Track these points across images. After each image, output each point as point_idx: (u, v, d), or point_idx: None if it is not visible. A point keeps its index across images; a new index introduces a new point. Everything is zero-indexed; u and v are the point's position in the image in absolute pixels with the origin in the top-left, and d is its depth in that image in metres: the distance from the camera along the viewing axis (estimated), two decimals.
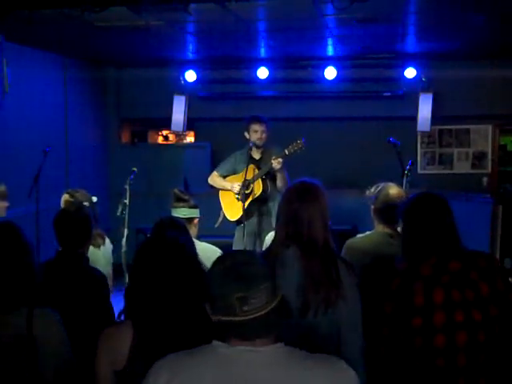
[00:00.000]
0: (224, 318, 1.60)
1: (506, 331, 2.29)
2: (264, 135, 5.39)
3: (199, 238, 3.96)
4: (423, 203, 2.43)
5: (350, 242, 3.37)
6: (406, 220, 2.46)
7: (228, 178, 5.61)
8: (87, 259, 3.24)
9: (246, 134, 5.47)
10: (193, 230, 3.82)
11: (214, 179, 5.68)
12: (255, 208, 5.39)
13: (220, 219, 5.58)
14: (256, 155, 5.50)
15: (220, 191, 5.65)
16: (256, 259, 1.67)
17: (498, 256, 5.79)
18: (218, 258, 1.71)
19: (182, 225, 3.23)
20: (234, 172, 5.60)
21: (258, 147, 5.42)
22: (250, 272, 1.61)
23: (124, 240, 5.48)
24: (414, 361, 2.29)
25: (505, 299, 2.28)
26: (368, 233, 3.42)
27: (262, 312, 1.58)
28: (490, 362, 2.27)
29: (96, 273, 3.20)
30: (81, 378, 2.20)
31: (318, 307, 2.31)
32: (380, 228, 3.29)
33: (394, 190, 3.30)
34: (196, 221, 3.92)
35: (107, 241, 4.05)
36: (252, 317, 1.57)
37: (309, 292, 2.32)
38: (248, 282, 1.59)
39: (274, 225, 5.35)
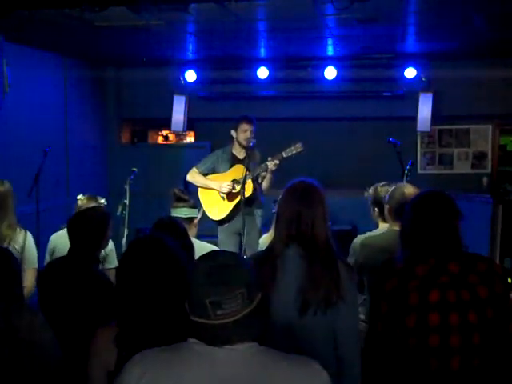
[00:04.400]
0: (198, 320, 1.59)
1: (501, 334, 2.27)
2: (252, 135, 5.37)
3: (198, 237, 3.97)
4: (431, 201, 2.40)
5: (365, 239, 3.40)
6: (411, 216, 2.42)
7: (211, 177, 5.54)
8: (97, 261, 3.22)
9: (233, 133, 5.44)
10: (192, 230, 3.82)
11: (195, 177, 5.57)
12: (240, 208, 5.36)
13: (199, 216, 5.51)
14: (240, 155, 5.46)
15: (200, 189, 5.56)
16: (236, 262, 1.65)
17: (497, 256, 5.79)
18: (200, 259, 1.69)
19: (180, 225, 3.23)
20: (214, 171, 5.53)
21: (243, 147, 5.38)
22: (227, 276, 1.59)
23: (124, 240, 5.47)
24: (407, 361, 2.28)
25: (502, 302, 2.27)
26: (384, 231, 3.44)
27: (236, 317, 1.57)
28: (485, 365, 2.25)
29: (102, 276, 3.18)
30: (77, 379, 2.20)
31: (318, 307, 2.31)
32: (396, 226, 3.30)
33: (409, 189, 3.33)
34: (196, 220, 3.93)
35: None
36: (225, 321, 1.56)
37: (309, 291, 2.32)
38: (223, 286, 1.57)
39: (259, 225, 5.37)
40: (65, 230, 4.22)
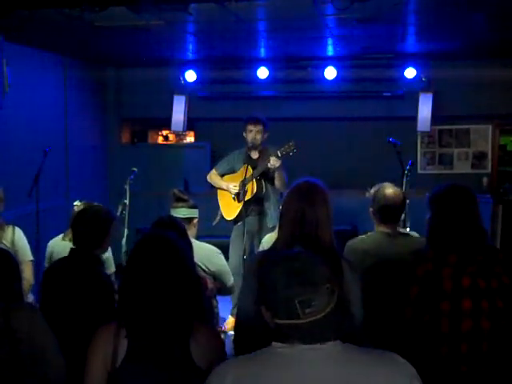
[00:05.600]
0: (286, 322, 1.59)
1: None
2: (259, 136, 5.40)
3: (198, 237, 3.97)
4: (455, 193, 2.50)
5: (350, 242, 3.39)
6: (435, 208, 2.52)
7: (225, 178, 5.63)
8: (100, 261, 3.22)
9: (244, 134, 5.49)
10: (192, 230, 3.82)
11: (213, 178, 5.72)
12: (252, 208, 5.40)
13: (218, 218, 5.60)
14: (253, 155, 5.51)
15: (218, 190, 5.67)
16: (317, 260, 1.66)
17: None
18: (278, 260, 1.68)
19: (180, 224, 3.23)
20: (233, 171, 5.61)
21: (253, 147, 5.42)
22: (314, 274, 1.60)
23: (124, 240, 5.47)
24: (438, 346, 2.36)
25: None
26: (369, 233, 3.43)
27: (324, 313, 1.58)
28: (509, 348, 2.36)
29: (104, 277, 3.18)
30: (79, 379, 2.20)
31: None
32: (381, 228, 3.33)
33: (390, 190, 3.34)
34: (195, 221, 3.93)
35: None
36: (314, 318, 1.57)
37: None
38: (312, 284, 1.58)
39: (270, 224, 5.40)
40: (62, 235, 4.24)
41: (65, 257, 3.25)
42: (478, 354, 2.34)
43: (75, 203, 4.26)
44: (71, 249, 3.18)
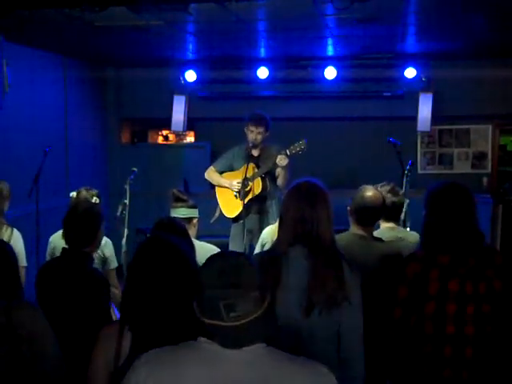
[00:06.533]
0: (211, 322, 1.59)
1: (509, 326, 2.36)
2: (260, 136, 5.36)
3: (198, 237, 3.96)
4: (452, 192, 2.47)
5: None
6: (431, 206, 2.50)
7: (225, 175, 5.56)
8: (91, 259, 3.23)
9: (245, 130, 5.46)
10: (192, 230, 3.82)
11: (211, 175, 5.62)
12: (253, 206, 5.37)
13: (216, 215, 5.55)
14: (254, 152, 5.47)
15: (217, 187, 5.61)
16: (248, 265, 1.65)
17: None
18: (210, 259, 1.69)
19: (181, 226, 3.23)
20: (231, 168, 5.55)
21: (253, 146, 5.40)
22: (241, 278, 1.59)
23: (124, 240, 5.46)
24: (422, 347, 2.35)
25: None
26: (344, 233, 3.45)
27: (248, 319, 1.57)
28: (496, 354, 2.34)
29: (96, 274, 3.19)
30: (75, 377, 2.20)
31: (323, 307, 2.31)
32: (354, 229, 3.36)
33: (369, 192, 3.36)
34: (195, 221, 3.92)
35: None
36: (238, 323, 1.57)
37: (314, 291, 2.31)
38: (238, 288, 1.57)
39: (272, 221, 5.37)
40: (61, 231, 4.24)
41: (57, 257, 3.26)
42: (462, 358, 2.31)
43: (71, 194, 4.25)
44: (63, 248, 3.20)
